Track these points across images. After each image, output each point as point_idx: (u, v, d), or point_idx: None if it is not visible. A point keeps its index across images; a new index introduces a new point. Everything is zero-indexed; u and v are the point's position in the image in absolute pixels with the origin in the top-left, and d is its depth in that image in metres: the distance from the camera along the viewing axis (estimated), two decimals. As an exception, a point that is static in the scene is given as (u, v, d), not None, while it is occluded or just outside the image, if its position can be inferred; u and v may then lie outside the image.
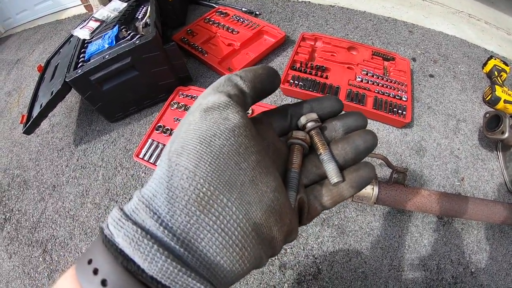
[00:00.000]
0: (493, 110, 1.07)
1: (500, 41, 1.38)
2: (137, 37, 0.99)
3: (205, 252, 0.15)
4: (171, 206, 0.15)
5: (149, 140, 1.02)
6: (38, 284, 0.90)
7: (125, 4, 1.23)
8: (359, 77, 1.12)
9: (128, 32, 1.03)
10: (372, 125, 1.08)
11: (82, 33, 1.16)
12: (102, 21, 1.19)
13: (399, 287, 0.79)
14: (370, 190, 0.77)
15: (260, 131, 0.23)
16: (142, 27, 1.08)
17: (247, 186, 0.17)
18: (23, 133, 1.09)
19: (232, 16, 1.41)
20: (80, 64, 1.01)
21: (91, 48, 1.05)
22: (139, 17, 1.16)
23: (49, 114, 1.08)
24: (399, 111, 1.03)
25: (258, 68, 0.22)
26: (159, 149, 1.00)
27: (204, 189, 0.16)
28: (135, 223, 0.15)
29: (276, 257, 0.84)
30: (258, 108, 1.05)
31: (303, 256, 0.84)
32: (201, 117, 0.18)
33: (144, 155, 0.99)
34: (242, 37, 1.29)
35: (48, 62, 1.29)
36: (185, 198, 0.15)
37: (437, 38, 1.37)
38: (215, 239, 0.15)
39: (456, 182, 0.95)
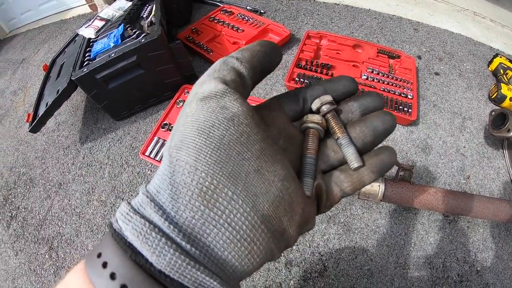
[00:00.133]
0: (499, 108, 1.07)
1: (505, 39, 1.37)
2: (142, 35, 0.99)
3: (212, 248, 0.15)
4: (175, 202, 0.15)
5: (155, 138, 1.02)
6: (44, 281, 0.91)
7: (130, 3, 1.23)
8: (364, 75, 1.12)
9: (133, 31, 1.04)
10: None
11: (88, 32, 1.16)
12: (107, 20, 1.20)
13: (405, 285, 0.79)
14: (377, 187, 0.77)
15: (270, 117, 0.22)
16: (147, 26, 1.09)
17: (252, 177, 0.16)
18: (29, 131, 1.09)
19: (237, 15, 1.41)
20: (85, 63, 1.02)
21: (97, 47, 1.06)
22: (144, 16, 1.16)
23: (55, 113, 1.08)
24: (405, 108, 1.02)
25: (255, 45, 0.20)
26: (165, 147, 1.01)
27: (207, 183, 0.15)
28: (142, 216, 0.15)
29: (283, 254, 0.84)
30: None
31: (309, 253, 0.84)
32: (197, 108, 0.17)
33: (150, 152, 1.00)
34: (247, 35, 1.29)
35: (53, 61, 1.30)
36: (188, 193, 0.15)
37: (442, 36, 1.36)
38: (221, 234, 0.15)
39: (462, 180, 0.95)
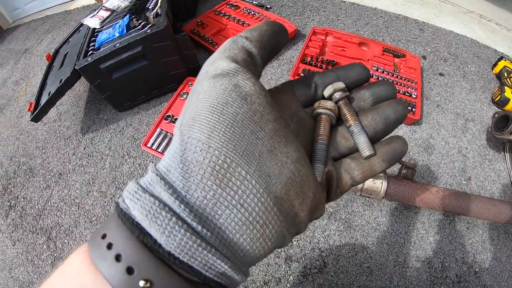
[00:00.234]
0: (502, 110, 1.07)
1: (510, 42, 1.37)
2: (148, 26, 0.99)
3: (223, 229, 0.14)
4: (186, 181, 0.14)
5: (158, 130, 1.02)
6: (42, 272, 0.90)
7: (135, -6, 1.22)
8: (369, 73, 1.12)
9: (139, 22, 1.03)
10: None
11: (92, 22, 1.15)
12: (112, 11, 1.19)
13: (404, 283, 0.79)
14: (379, 184, 0.77)
15: (282, 101, 0.21)
16: (153, 17, 1.08)
17: (265, 157, 0.15)
18: (31, 120, 1.09)
19: (243, 9, 1.41)
20: (90, 53, 1.01)
21: (101, 36, 1.05)
22: (150, 7, 1.15)
23: (56, 103, 1.08)
24: (409, 107, 1.02)
25: (263, 25, 0.20)
26: (167, 138, 1.00)
27: (220, 161, 0.14)
28: (152, 195, 0.14)
29: (282, 249, 0.84)
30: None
31: (309, 249, 0.84)
32: (210, 85, 0.16)
33: (152, 144, 0.99)
34: (252, 30, 1.29)
35: (57, 51, 1.29)
36: (200, 172, 0.14)
37: (447, 37, 1.36)
38: (233, 215, 0.14)
39: (463, 181, 0.95)
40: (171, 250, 0.13)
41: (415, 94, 1.06)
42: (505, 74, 1.16)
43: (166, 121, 1.04)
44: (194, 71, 1.17)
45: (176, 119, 1.04)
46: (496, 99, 1.11)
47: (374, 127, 0.21)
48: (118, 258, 0.13)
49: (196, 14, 1.51)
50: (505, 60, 1.19)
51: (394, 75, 1.12)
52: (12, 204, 1.06)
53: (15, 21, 2.18)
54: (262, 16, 1.35)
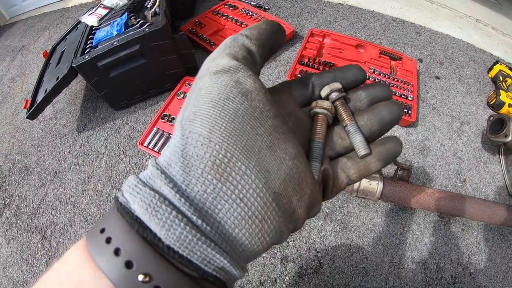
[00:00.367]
0: (497, 114, 1.08)
1: (506, 47, 1.39)
2: (146, 25, 0.99)
3: (223, 224, 0.14)
4: (186, 175, 0.14)
5: (154, 129, 1.01)
6: (36, 271, 0.89)
7: (134, -7, 1.22)
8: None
9: (137, 20, 1.03)
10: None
11: (90, 19, 1.15)
12: (110, 9, 1.18)
13: (399, 284, 0.80)
14: (375, 185, 0.78)
15: (280, 100, 0.22)
16: (151, 16, 1.08)
17: (265, 153, 0.16)
18: (27, 117, 1.08)
19: (241, 10, 1.41)
20: (87, 50, 1.01)
21: (99, 34, 1.05)
22: (148, 6, 1.15)
23: (53, 100, 1.07)
24: (405, 110, 1.03)
25: (261, 23, 0.21)
26: (164, 137, 1.00)
27: (221, 155, 0.15)
28: (152, 189, 0.14)
29: (278, 249, 0.84)
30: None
31: (305, 249, 0.84)
32: (211, 81, 0.17)
33: (149, 143, 0.99)
34: (250, 30, 1.29)
35: (53, 49, 1.28)
36: (200, 166, 0.14)
37: (444, 40, 1.38)
38: (233, 209, 0.14)
39: (458, 183, 0.96)
40: (170, 244, 0.13)
41: (411, 96, 1.07)
42: (501, 78, 1.18)
43: (162, 120, 1.03)
44: (191, 71, 1.17)
45: (173, 118, 1.04)
46: (492, 103, 1.12)
47: (370, 127, 0.21)
48: (117, 252, 0.13)
49: (195, 14, 1.51)
50: (501, 64, 1.21)
51: (391, 78, 1.13)
52: (6, 202, 1.05)
53: (12, 17, 2.16)
54: (260, 17, 1.35)
